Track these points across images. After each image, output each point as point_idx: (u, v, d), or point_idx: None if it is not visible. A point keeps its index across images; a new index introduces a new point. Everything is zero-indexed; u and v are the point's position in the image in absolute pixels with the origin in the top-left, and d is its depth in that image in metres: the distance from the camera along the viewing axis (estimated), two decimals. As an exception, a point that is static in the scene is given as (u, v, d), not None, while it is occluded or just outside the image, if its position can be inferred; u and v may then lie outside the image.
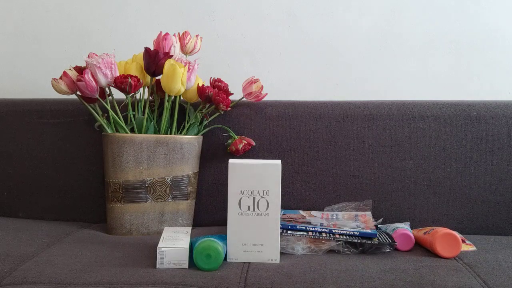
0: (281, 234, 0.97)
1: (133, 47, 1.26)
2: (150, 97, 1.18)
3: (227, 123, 1.22)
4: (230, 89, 1.20)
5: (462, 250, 0.99)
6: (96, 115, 1.14)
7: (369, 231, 1.00)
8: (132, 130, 1.15)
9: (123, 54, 1.23)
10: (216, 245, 0.88)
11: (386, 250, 0.99)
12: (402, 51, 1.42)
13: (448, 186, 1.18)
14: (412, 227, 1.11)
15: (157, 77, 1.16)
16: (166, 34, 1.14)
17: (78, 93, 1.13)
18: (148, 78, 1.17)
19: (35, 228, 1.14)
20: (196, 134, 1.18)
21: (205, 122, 1.20)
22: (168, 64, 1.09)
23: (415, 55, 1.42)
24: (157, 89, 1.18)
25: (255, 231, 0.93)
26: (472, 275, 0.87)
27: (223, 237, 0.95)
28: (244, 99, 1.22)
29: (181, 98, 1.20)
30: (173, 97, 1.17)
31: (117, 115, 1.13)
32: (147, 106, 1.14)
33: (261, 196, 0.93)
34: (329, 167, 1.20)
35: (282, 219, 1.04)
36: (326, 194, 1.20)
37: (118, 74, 1.11)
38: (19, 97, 1.33)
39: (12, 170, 1.26)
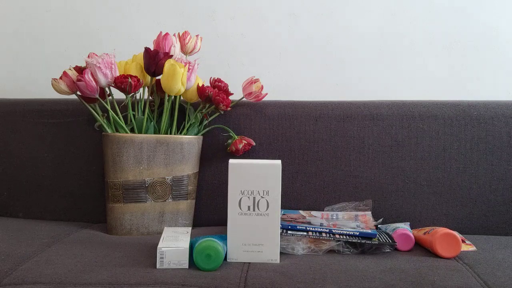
0: (281, 234, 0.97)
1: (133, 47, 1.26)
2: (150, 97, 1.18)
3: (227, 123, 1.22)
4: (230, 89, 1.20)
5: (462, 250, 0.99)
6: (96, 115, 1.14)
7: (369, 231, 1.00)
8: (132, 130, 1.15)
9: (123, 54, 1.23)
10: (216, 245, 0.88)
11: (386, 250, 0.99)
12: (402, 51, 1.42)
13: (448, 186, 1.18)
14: (412, 227, 1.11)
15: (157, 77, 1.16)
16: (166, 34, 1.14)
17: (78, 93, 1.13)
18: (148, 78, 1.17)
19: (35, 228, 1.14)
20: (196, 134, 1.18)
21: (205, 122, 1.20)
22: (168, 64, 1.09)
23: (415, 55, 1.42)
24: (157, 89, 1.18)
25: (255, 231, 0.93)
26: (472, 275, 0.87)
27: (223, 237, 0.95)
28: (244, 99, 1.22)
29: (181, 98, 1.20)
30: (173, 97, 1.17)
31: (117, 115, 1.13)
32: (147, 106, 1.14)
33: (261, 196, 0.93)
34: (329, 167, 1.20)
35: (282, 219, 1.04)
36: (326, 194, 1.20)
37: (118, 74, 1.11)
38: (19, 97, 1.33)
39: (12, 170, 1.26)
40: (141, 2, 1.45)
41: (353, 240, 0.98)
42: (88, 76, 1.08)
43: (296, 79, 1.44)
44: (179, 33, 1.20)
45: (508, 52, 1.41)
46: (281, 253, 0.95)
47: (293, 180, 1.21)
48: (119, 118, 1.13)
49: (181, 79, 1.09)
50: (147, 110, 1.14)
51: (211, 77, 1.20)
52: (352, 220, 1.09)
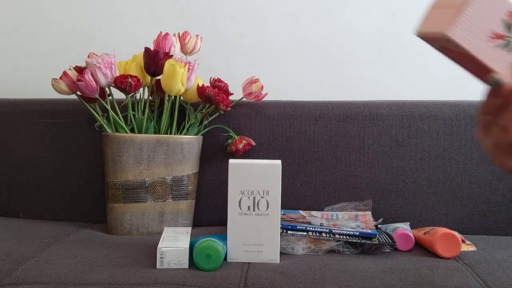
0: (281, 234, 0.97)
1: (133, 47, 1.26)
2: (150, 97, 1.18)
3: (227, 123, 1.22)
4: (230, 89, 1.20)
5: (462, 250, 0.99)
6: (96, 115, 1.14)
7: (369, 231, 1.00)
8: (132, 130, 1.15)
9: (123, 54, 1.23)
10: (216, 245, 0.88)
11: (386, 250, 0.99)
12: (402, 51, 1.42)
13: (448, 186, 1.18)
14: (412, 227, 1.11)
15: (157, 77, 1.16)
16: (166, 34, 1.14)
17: (78, 93, 1.13)
18: (148, 78, 1.17)
19: (35, 228, 1.14)
20: (196, 134, 1.18)
21: (205, 122, 1.20)
22: (168, 64, 1.09)
23: (415, 55, 1.42)
24: (157, 89, 1.18)
25: (255, 231, 0.93)
26: (472, 275, 0.87)
27: (223, 237, 0.95)
28: (244, 99, 1.22)
29: (181, 98, 1.20)
30: (173, 97, 1.17)
31: (117, 115, 1.13)
32: (147, 106, 1.14)
33: (261, 196, 0.93)
34: (329, 167, 1.20)
35: (282, 219, 1.04)
36: (326, 194, 1.20)
37: (118, 74, 1.11)
38: (19, 97, 1.33)
39: (12, 170, 1.26)
40: (141, 2, 1.45)
41: (353, 240, 0.98)
42: (88, 76, 1.08)
43: (296, 79, 1.44)
44: (179, 33, 1.20)
45: (508, 52, 1.40)
46: (281, 253, 0.95)
47: (293, 180, 1.21)
48: (119, 118, 1.13)
49: (181, 79, 1.09)
50: (147, 110, 1.14)
51: (211, 77, 1.20)
52: (352, 220, 1.09)
